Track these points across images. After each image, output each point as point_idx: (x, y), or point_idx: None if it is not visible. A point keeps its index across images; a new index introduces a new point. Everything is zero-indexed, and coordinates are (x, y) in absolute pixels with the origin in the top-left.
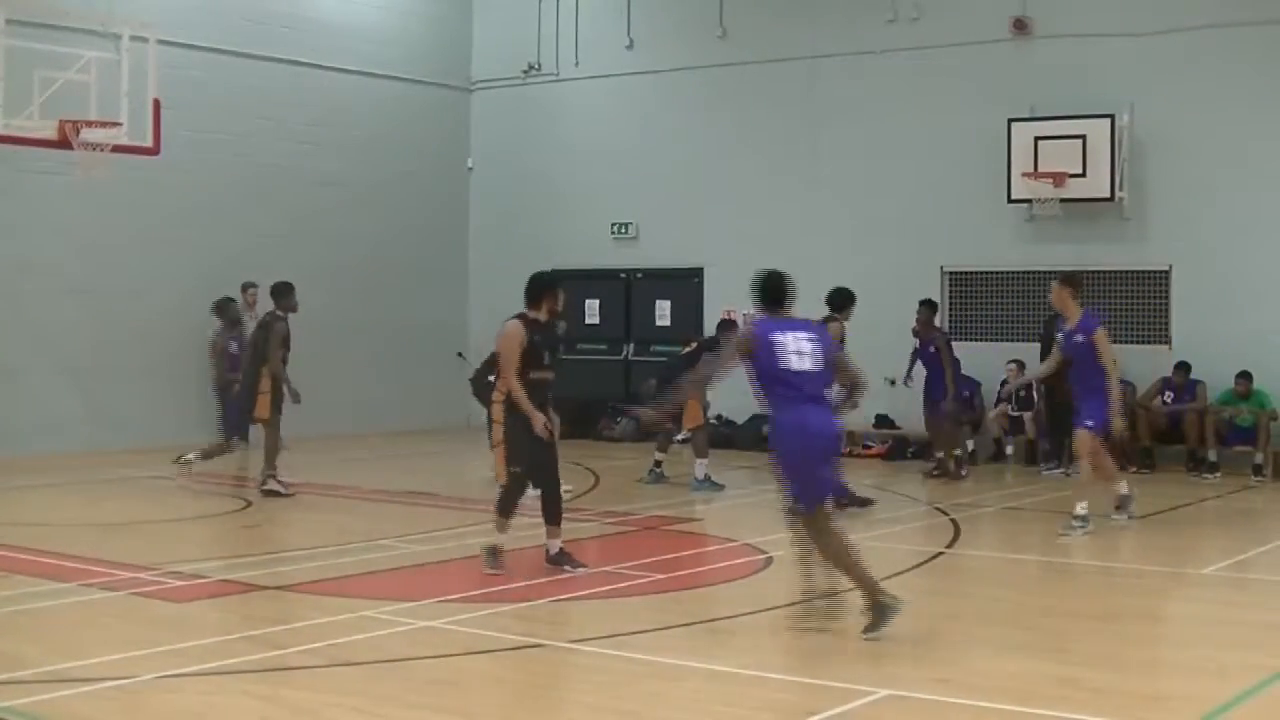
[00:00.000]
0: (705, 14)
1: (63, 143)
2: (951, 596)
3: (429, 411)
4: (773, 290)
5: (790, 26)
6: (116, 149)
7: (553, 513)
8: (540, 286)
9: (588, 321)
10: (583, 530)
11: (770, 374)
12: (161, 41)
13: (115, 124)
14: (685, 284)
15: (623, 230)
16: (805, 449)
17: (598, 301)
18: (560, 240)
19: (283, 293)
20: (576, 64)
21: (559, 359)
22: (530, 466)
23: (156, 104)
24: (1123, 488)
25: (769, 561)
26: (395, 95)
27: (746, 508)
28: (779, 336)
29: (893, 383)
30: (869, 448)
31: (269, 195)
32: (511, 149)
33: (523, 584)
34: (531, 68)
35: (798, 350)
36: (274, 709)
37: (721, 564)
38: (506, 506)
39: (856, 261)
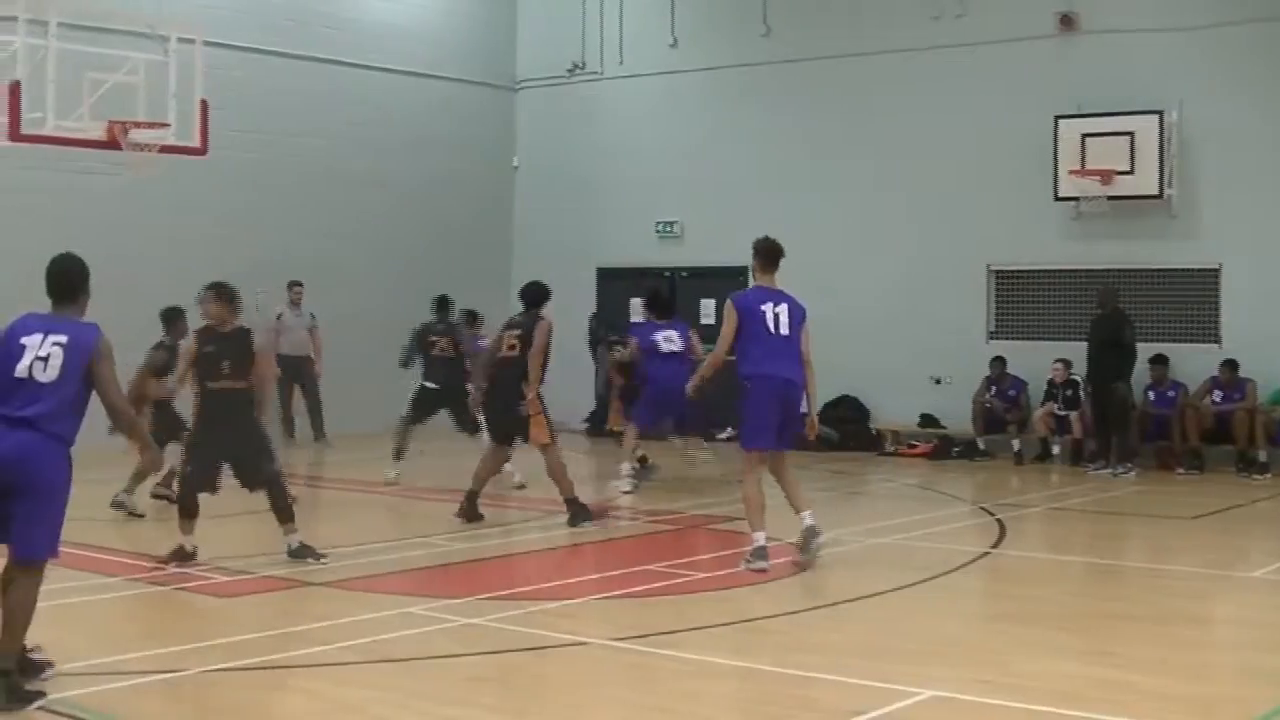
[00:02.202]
0: (749, 11)
1: (112, 144)
2: (996, 597)
3: None
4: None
5: (834, 24)
6: (164, 149)
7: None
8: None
9: (633, 319)
10: (626, 529)
11: None
12: (208, 43)
13: (163, 125)
14: (730, 282)
15: (667, 229)
16: None
17: (642, 300)
18: (605, 239)
19: (170, 319)
20: (621, 62)
21: (244, 367)
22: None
23: (204, 105)
24: None
25: (813, 561)
26: (440, 95)
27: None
28: None
29: (938, 381)
30: (914, 446)
31: (314, 195)
32: (556, 148)
33: (567, 582)
34: (576, 67)
35: None
36: (318, 704)
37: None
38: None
39: (902, 260)
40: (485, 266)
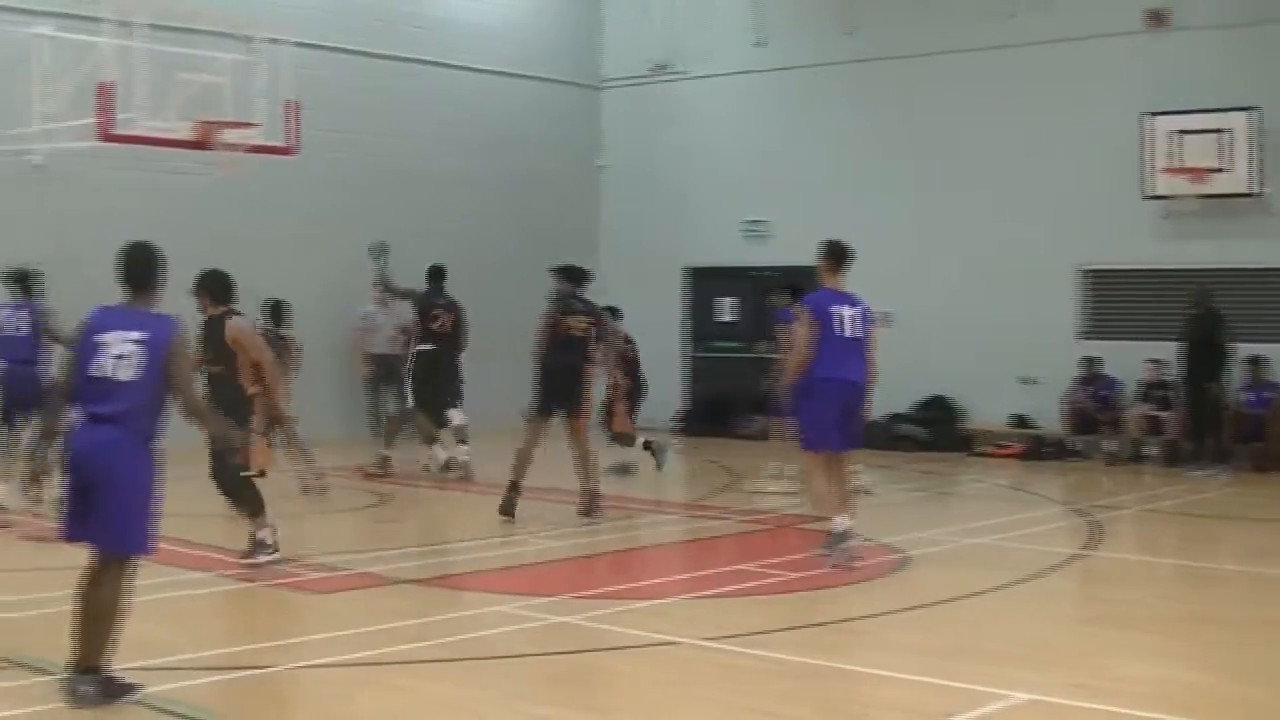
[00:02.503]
0: (833, 10)
1: (201, 144)
2: (1088, 600)
3: None
4: None
5: (918, 22)
6: (253, 149)
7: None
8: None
9: (721, 319)
10: (718, 528)
11: None
12: (295, 43)
13: (253, 124)
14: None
15: (754, 228)
16: None
17: (729, 300)
18: (691, 238)
19: (275, 311)
20: (706, 61)
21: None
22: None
23: (294, 105)
24: None
25: (904, 561)
26: (526, 95)
27: (883, 507)
28: None
29: (1028, 382)
30: (1005, 447)
31: (400, 195)
32: (641, 147)
33: (657, 581)
34: (661, 66)
35: None
36: (409, 701)
37: (856, 562)
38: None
39: (991, 260)
40: None
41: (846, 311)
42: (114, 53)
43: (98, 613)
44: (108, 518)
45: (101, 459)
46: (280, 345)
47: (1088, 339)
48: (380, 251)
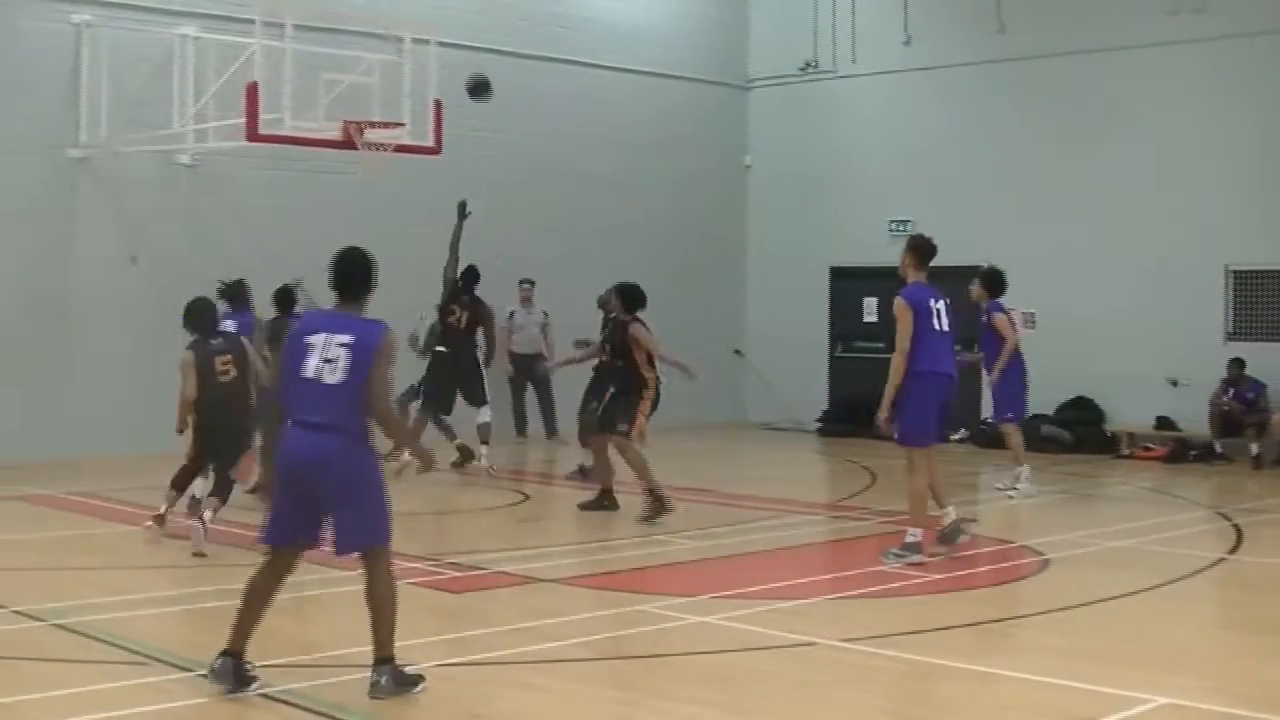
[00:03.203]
0: (983, 8)
1: (347, 143)
2: (1232, 604)
3: (706, 408)
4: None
5: (1069, 20)
6: (399, 149)
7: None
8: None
9: (865, 319)
10: (859, 529)
11: None
12: (441, 43)
13: (398, 124)
14: (964, 282)
15: (900, 228)
16: None
17: (875, 300)
18: (837, 238)
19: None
20: (854, 60)
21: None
22: None
23: (438, 105)
24: None
25: (1046, 564)
26: (672, 94)
27: (1026, 509)
28: None
29: (1174, 383)
30: (1149, 449)
31: (546, 195)
32: (789, 146)
33: (800, 581)
34: (809, 65)
35: None
36: (548, 700)
37: (999, 565)
38: None
39: (1137, 260)
40: (719, 265)
41: (938, 304)
42: (262, 53)
43: (376, 606)
44: (343, 521)
45: (330, 468)
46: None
47: (1236, 340)
48: (462, 211)
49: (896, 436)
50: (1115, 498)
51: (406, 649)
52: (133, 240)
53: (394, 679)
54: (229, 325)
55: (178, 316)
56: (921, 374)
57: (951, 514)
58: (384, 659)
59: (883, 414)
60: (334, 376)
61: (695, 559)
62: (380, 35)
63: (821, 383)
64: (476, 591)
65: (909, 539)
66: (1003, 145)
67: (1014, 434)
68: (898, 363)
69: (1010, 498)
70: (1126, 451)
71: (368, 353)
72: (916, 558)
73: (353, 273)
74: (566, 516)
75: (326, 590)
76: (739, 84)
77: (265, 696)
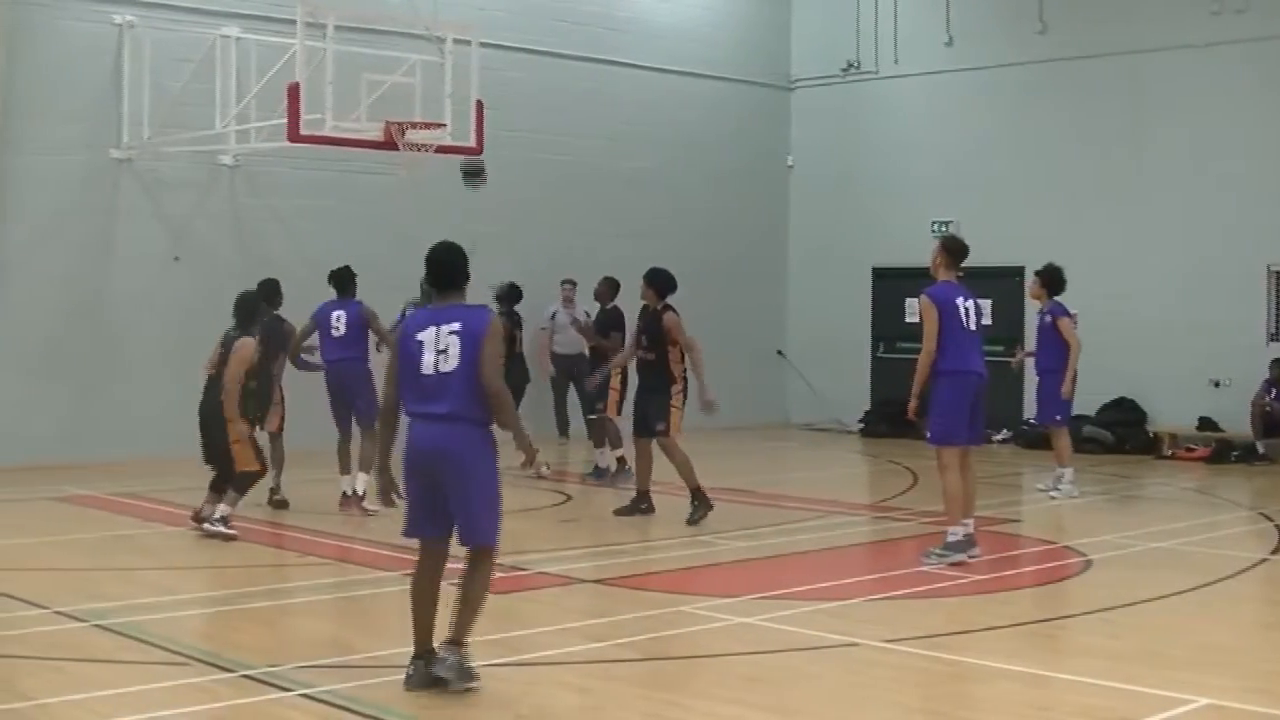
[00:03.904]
0: (1025, 9)
1: (388, 144)
2: (1273, 605)
3: (748, 409)
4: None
5: (1111, 21)
6: (441, 149)
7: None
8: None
9: (907, 320)
10: (901, 530)
11: None
12: (483, 44)
13: (440, 125)
14: (1005, 283)
15: (943, 228)
16: None
17: (917, 301)
18: (879, 238)
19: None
20: (896, 61)
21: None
22: None
23: (479, 105)
24: None
25: (1088, 564)
26: (713, 94)
27: (1068, 509)
28: None
29: (1217, 384)
30: (1191, 450)
31: (588, 195)
32: (830, 147)
33: (842, 582)
34: (850, 66)
35: None
36: (591, 701)
37: (1041, 566)
38: None
39: (1179, 260)
40: (761, 266)
41: (966, 303)
42: (303, 54)
43: (466, 598)
44: (466, 513)
45: (448, 457)
46: (279, 331)
47: (1278, 341)
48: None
49: (928, 436)
50: (1157, 498)
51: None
52: (175, 241)
53: (459, 661)
54: (338, 313)
55: (220, 316)
56: (949, 373)
57: (970, 526)
58: (456, 640)
59: (911, 405)
60: (448, 364)
61: (737, 560)
62: (422, 36)
63: (863, 383)
64: (519, 592)
65: (949, 538)
66: (1044, 146)
67: (1061, 435)
68: (923, 361)
69: (1052, 498)
70: (1168, 452)
71: (476, 336)
72: (957, 557)
73: (451, 264)
74: (608, 517)
75: (373, 591)
76: (782, 85)
77: (306, 697)
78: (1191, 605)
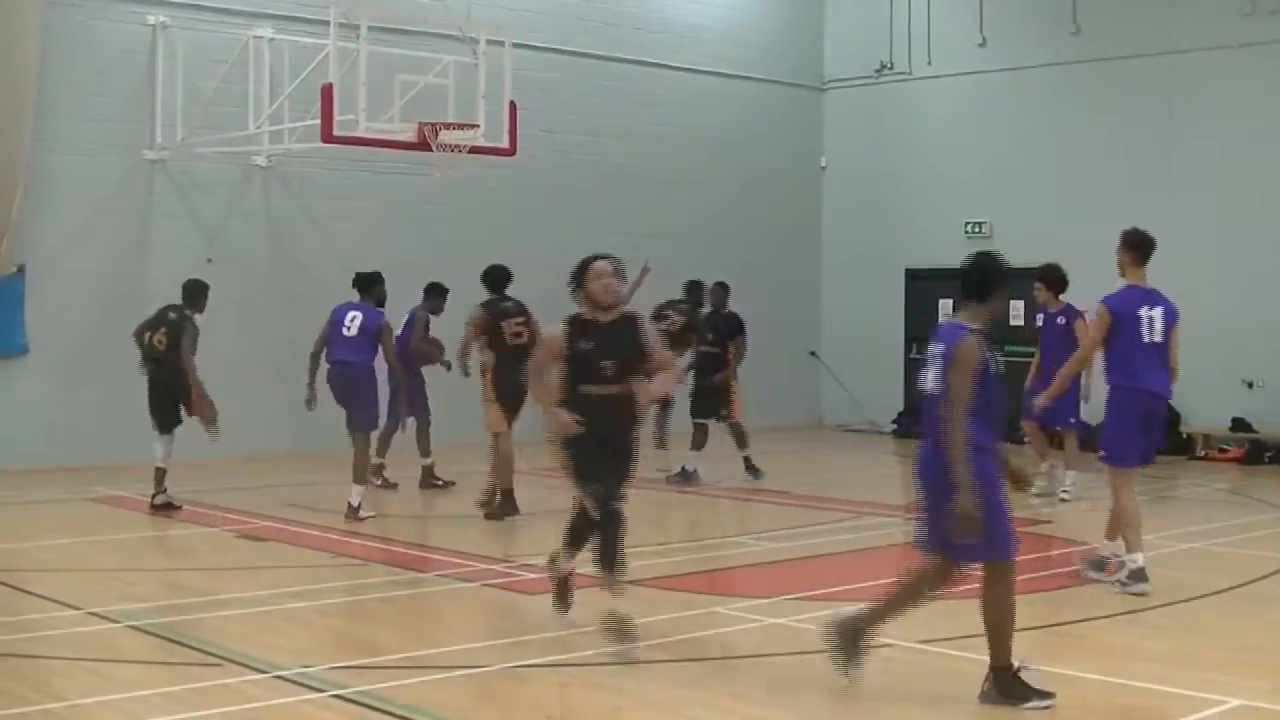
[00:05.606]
0: (1059, 10)
1: (421, 145)
2: None
3: (782, 409)
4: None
5: (1145, 21)
6: (474, 150)
7: None
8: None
9: (941, 321)
10: None
11: None
12: (516, 44)
13: (473, 126)
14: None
15: (976, 229)
16: None
17: (951, 301)
18: (913, 239)
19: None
20: (929, 62)
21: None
22: None
23: (513, 106)
24: None
25: (1120, 565)
26: (747, 95)
27: (1101, 511)
28: None
29: (1250, 385)
30: (1225, 451)
31: (620, 195)
32: (864, 148)
33: (876, 583)
34: (884, 66)
35: None
36: (622, 701)
37: (1073, 567)
38: None
39: (1212, 260)
40: (794, 267)
41: (1150, 313)
42: (336, 55)
43: (986, 618)
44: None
45: (924, 472)
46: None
47: None
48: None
49: (1100, 454)
50: (1190, 499)
51: (483, 650)
52: (208, 241)
53: (1000, 690)
54: (353, 314)
55: (253, 317)
56: (1117, 389)
57: (1111, 547)
58: (1001, 668)
59: (1039, 402)
60: (928, 386)
61: (771, 560)
62: (455, 37)
63: (897, 385)
64: (551, 593)
65: (1132, 566)
66: (1079, 147)
67: (1074, 439)
68: (1069, 366)
69: (1063, 499)
70: (1202, 453)
71: (947, 359)
72: (1142, 587)
73: (979, 279)
74: (642, 518)
75: (405, 592)
76: (814, 85)
77: (339, 698)
78: (1224, 606)
